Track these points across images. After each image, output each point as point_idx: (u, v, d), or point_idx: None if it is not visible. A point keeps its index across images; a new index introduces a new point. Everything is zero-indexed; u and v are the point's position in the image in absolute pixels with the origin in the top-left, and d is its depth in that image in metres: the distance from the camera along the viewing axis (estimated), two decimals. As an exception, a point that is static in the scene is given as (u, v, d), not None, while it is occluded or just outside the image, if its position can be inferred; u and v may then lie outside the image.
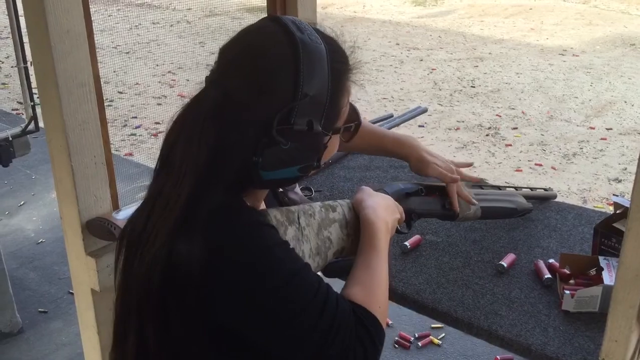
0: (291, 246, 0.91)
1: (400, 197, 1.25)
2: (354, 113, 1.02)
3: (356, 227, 1.05)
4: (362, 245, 1.01)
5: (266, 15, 1.99)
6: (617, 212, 1.41)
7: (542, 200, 1.66)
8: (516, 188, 1.57)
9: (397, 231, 1.17)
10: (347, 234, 1.05)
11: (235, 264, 0.84)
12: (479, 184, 1.50)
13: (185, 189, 0.85)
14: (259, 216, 0.91)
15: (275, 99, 0.87)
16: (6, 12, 2.78)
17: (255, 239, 0.86)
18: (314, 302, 0.85)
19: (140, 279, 0.86)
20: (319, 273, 1.02)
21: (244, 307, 0.84)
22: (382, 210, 1.06)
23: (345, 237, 1.04)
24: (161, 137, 0.94)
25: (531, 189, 1.64)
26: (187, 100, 0.92)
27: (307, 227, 0.99)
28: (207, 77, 0.93)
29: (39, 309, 2.99)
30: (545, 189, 1.68)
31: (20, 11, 1.85)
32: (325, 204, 1.05)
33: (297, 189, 1.44)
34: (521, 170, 4.56)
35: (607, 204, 4.01)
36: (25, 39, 1.54)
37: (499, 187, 1.55)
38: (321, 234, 1.01)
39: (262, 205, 1.05)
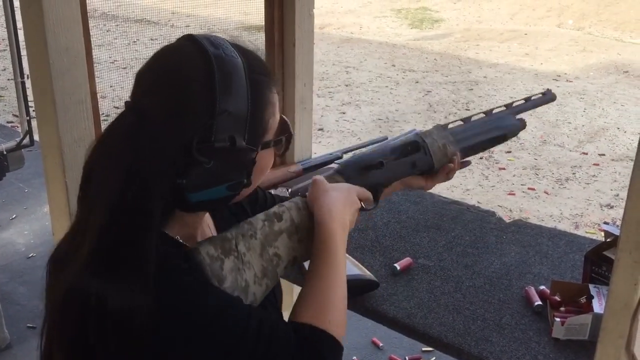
0: (228, 280, 0.89)
1: (359, 173, 1.16)
2: (284, 125, 0.97)
3: (309, 227, 0.99)
4: (314, 254, 0.96)
5: (264, 34, 2.01)
6: (608, 240, 1.43)
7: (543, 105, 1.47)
8: (508, 106, 1.41)
9: (363, 209, 1.10)
10: (299, 239, 0.99)
11: (159, 314, 0.79)
12: (463, 119, 1.35)
13: (98, 219, 0.81)
14: (180, 260, 0.86)
15: (192, 117, 0.84)
16: (4, 25, 2.79)
17: (176, 289, 0.81)
18: (246, 337, 0.82)
19: (56, 305, 0.83)
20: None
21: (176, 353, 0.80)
22: (339, 207, 1.00)
23: (296, 244, 0.99)
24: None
25: (526, 99, 1.43)
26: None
27: (247, 252, 0.93)
28: (125, 102, 0.90)
29: (28, 324, 2.97)
30: (543, 93, 1.47)
31: (19, 24, 1.87)
32: (269, 213, 0.99)
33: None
34: (514, 194, 4.58)
35: (599, 229, 4.02)
36: (24, 52, 1.54)
37: (486, 113, 1.38)
38: (266, 254, 0.95)
39: (205, 231, 1.01)
